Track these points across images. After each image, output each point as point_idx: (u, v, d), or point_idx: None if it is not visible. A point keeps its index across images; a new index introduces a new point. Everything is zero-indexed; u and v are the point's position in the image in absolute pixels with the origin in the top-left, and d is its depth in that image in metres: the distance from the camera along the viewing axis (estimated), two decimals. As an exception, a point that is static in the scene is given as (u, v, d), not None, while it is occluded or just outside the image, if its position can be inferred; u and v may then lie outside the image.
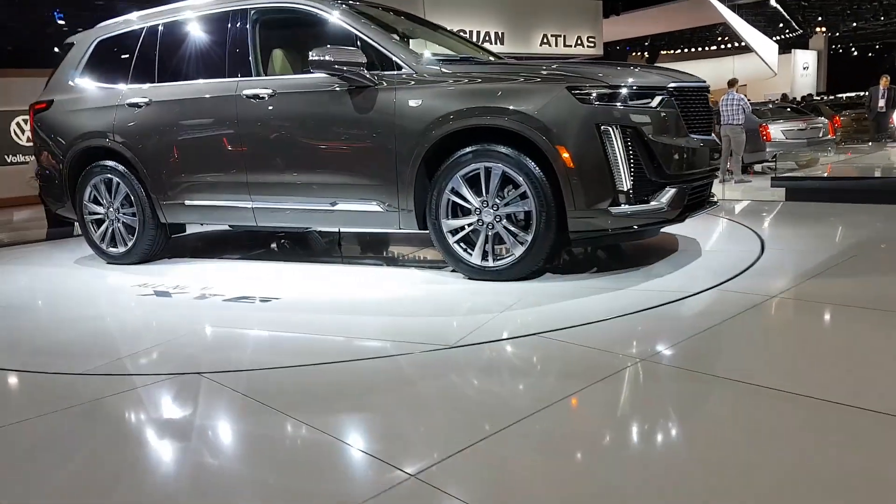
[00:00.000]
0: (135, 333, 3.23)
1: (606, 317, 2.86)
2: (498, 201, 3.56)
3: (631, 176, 3.33)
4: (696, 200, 3.66)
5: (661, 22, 25.09)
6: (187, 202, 4.53)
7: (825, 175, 8.22)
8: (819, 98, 21.49)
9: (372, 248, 5.30)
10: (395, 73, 3.78)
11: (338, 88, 3.87)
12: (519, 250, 3.54)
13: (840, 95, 22.50)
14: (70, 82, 4.96)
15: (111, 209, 4.80)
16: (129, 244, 4.76)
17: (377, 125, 3.78)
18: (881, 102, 12.58)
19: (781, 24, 29.59)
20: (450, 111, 3.57)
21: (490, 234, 3.60)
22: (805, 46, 30.70)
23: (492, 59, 4.49)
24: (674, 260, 3.86)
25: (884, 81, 12.67)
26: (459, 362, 2.52)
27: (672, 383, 2.20)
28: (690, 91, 3.57)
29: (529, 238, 3.50)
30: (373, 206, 3.91)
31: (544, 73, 3.52)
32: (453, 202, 3.69)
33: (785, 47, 28.44)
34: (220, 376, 2.47)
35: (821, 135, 11.59)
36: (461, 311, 3.25)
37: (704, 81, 3.80)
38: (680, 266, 3.71)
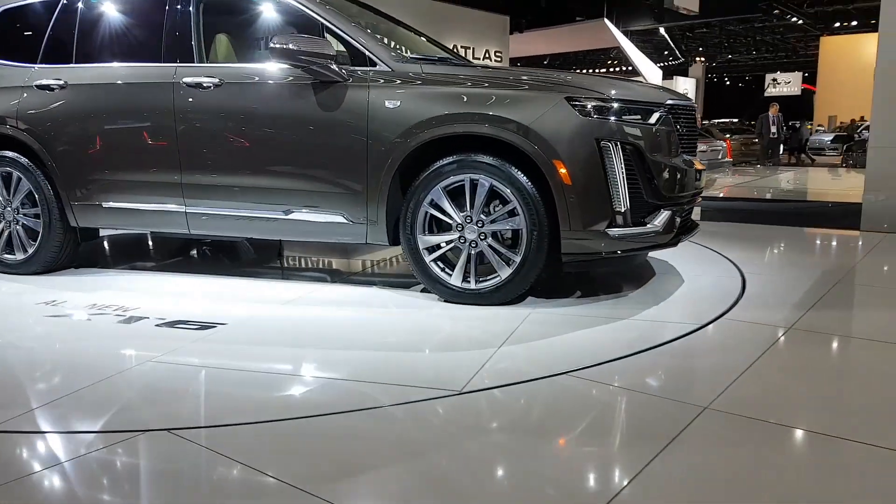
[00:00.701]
0: (48, 371, 2.53)
1: (626, 353, 2.49)
2: (483, 217, 3.14)
3: (628, 196, 3.01)
4: (684, 223, 3.41)
5: (561, 42, 25.56)
6: (105, 204, 3.78)
7: (743, 197, 8.43)
8: (708, 122, 22.69)
9: (317, 259, 4.71)
10: (369, 69, 3.27)
11: (299, 82, 3.31)
12: (506, 272, 3.13)
13: (715, 121, 23.86)
14: (-37, 57, 4.05)
15: (8, 209, 3.94)
16: (30, 251, 3.92)
17: (346, 126, 3.25)
18: (773, 129, 13.28)
19: (666, 52, 31.14)
20: (434, 115, 3.10)
21: (473, 252, 3.17)
22: (685, 74, 32.48)
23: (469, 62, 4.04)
24: (658, 286, 3.56)
25: (773, 109, 13.40)
26: (484, 415, 2.05)
27: (758, 441, 1.82)
28: (682, 109, 3.31)
29: (518, 259, 3.09)
30: (335, 217, 3.37)
31: (539, 80, 3.14)
32: (431, 216, 3.23)
33: (668, 74, 29.96)
34: (175, 435, 1.88)
35: (720, 157, 12.09)
36: (450, 344, 2.78)
37: (692, 100, 3.56)
38: (668, 293, 3.41)
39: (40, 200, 3.85)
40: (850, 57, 24.38)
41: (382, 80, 3.23)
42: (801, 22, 24.14)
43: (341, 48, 3.37)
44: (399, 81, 3.21)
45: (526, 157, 3.03)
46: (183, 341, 2.78)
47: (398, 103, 3.18)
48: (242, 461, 1.73)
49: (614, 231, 3.00)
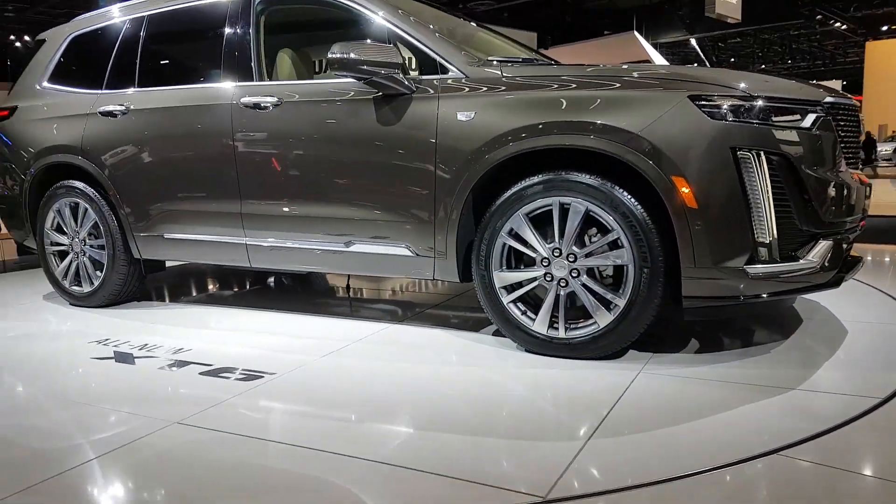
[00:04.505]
0: (59, 428, 1.83)
1: (825, 426, 1.53)
2: (576, 249, 2.23)
3: (776, 223, 2.03)
4: (848, 256, 2.35)
5: (588, 57, 22.55)
6: (167, 235, 3.14)
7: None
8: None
9: (388, 291, 3.93)
10: (439, 77, 2.47)
11: (361, 97, 2.56)
12: (605, 318, 2.20)
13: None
14: (38, 86, 3.53)
15: (76, 239, 3.41)
16: (96, 283, 3.33)
17: (410, 145, 2.44)
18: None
19: (696, 64, 27.64)
20: (515, 127, 2.24)
21: (562, 293, 2.27)
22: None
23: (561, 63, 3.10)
24: (810, 336, 2.47)
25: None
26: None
27: None
28: (845, 110, 2.29)
29: (622, 302, 2.15)
30: (399, 249, 2.56)
31: (652, 76, 2.22)
32: (510, 248, 2.37)
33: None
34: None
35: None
36: (531, 419, 1.84)
37: (853, 99, 2.50)
38: (829, 347, 2.35)
39: (105, 232, 3.27)
40: (901, 62, 20.66)
41: (454, 89, 2.41)
42: (844, 27, 20.75)
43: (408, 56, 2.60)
44: (474, 89, 2.39)
45: (633, 175, 2.12)
46: (220, 397, 2.04)
47: (472, 115, 2.34)
48: None
49: (756, 269, 2.01)
